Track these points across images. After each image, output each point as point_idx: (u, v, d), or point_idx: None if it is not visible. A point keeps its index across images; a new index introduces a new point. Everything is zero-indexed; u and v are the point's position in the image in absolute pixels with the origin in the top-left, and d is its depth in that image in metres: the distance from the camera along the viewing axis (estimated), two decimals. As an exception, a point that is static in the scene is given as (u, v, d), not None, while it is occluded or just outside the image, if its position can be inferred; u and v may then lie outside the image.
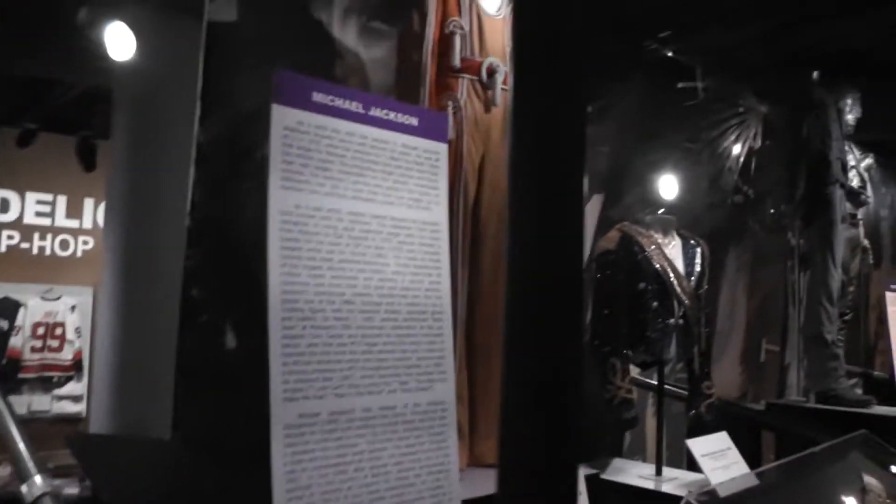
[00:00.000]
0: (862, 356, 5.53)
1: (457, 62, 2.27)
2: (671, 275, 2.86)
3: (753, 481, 2.65)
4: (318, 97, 1.55)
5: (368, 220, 1.58)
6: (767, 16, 4.24)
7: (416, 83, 2.18)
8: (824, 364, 3.88)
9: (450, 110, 2.23)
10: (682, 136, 4.22)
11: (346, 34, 2.60)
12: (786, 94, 4.30)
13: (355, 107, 1.59)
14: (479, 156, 2.31)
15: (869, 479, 2.70)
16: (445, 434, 1.63)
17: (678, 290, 2.87)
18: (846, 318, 4.60)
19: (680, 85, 4.05)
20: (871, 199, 4.39)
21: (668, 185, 4.16)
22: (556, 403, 0.74)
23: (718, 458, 2.78)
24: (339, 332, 1.49)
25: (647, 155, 3.93)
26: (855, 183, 4.50)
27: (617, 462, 3.24)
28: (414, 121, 1.69)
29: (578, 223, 0.77)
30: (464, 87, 2.30)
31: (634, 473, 3.05)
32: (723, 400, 3.97)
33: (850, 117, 4.49)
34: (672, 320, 2.87)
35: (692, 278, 2.94)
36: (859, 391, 5.20)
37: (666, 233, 2.99)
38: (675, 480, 2.89)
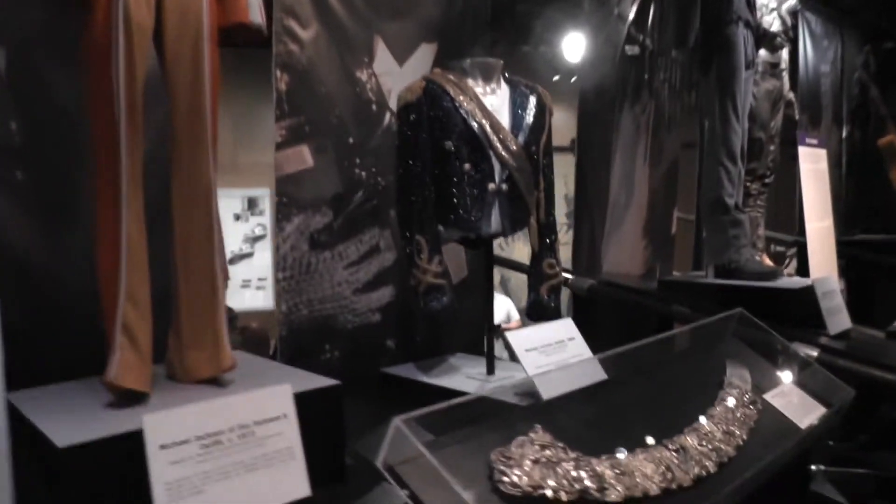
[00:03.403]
0: (796, 224, 5.03)
1: None
2: (488, 129, 2.29)
3: (585, 375, 2.14)
4: None
5: None
6: None
7: None
8: (724, 232, 3.35)
9: None
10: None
11: None
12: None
13: None
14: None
15: (734, 369, 2.21)
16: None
17: (499, 147, 2.30)
18: (766, 180, 4.06)
19: None
20: (786, 44, 3.76)
21: (534, 32, 3.55)
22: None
23: (554, 351, 2.29)
24: None
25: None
26: (775, 27, 3.87)
27: (454, 359, 2.76)
28: None
29: None
30: None
31: (464, 372, 2.57)
32: (604, 281, 3.48)
33: (774, -51, 3.84)
34: (492, 185, 2.31)
35: (521, 133, 2.36)
36: (794, 263, 4.70)
37: (488, 79, 2.40)
38: (502, 380, 2.40)
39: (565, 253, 3.78)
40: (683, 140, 4.16)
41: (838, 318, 3.05)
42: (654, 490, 1.52)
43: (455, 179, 2.28)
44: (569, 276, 3.53)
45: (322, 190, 2.64)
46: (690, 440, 1.76)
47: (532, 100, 2.41)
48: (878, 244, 5.42)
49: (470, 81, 2.36)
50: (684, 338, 2.37)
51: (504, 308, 7.68)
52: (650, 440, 1.70)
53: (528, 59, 6.38)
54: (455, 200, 2.29)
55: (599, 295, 3.35)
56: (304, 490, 1.56)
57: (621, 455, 1.59)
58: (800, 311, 3.06)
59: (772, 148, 4.03)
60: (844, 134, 5.92)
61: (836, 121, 5.80)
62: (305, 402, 1.78)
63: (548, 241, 2.50)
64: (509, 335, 2.18)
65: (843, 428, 3.28)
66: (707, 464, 1.71)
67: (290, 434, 1.59)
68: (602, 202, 3.75)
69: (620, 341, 2.37)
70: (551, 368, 2.16)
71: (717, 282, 3.30)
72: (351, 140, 2.69)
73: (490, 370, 2.48)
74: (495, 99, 2.37)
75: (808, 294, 3.02)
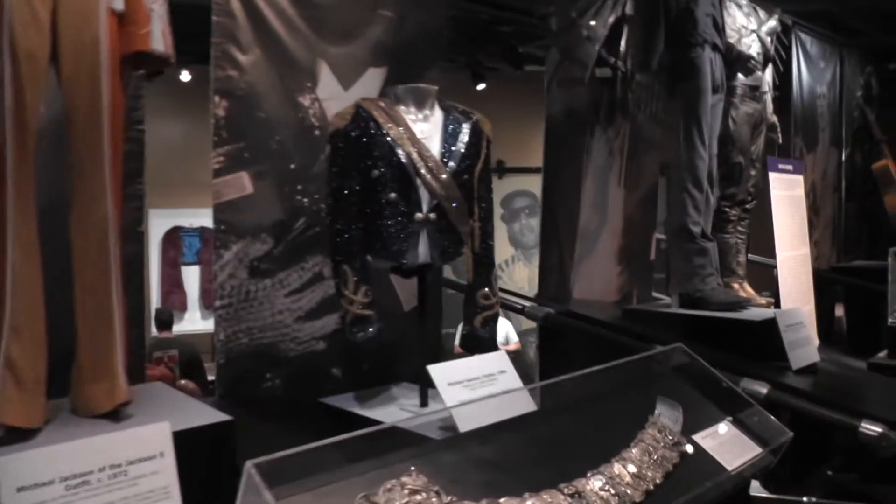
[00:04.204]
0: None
1: None
2: (415, 157, 2.25)
3: (505, 408, 2.07)
4: None
5: None
6: None
7: None
8: (689, 261, 3.27)
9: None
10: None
11: None
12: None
13: None
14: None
15: (664, 407, 2.13)
16: None
17: (427, 176, 2.26)
18: (748, 206, 3.97)
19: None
20: (758, 66, 3.67)
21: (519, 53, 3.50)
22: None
23: (481, 384, 2.23)
24: None
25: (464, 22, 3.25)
26: (754, 49, 3.79)
27: (397, 389, 2.71)
28: None
29: None
30: None
31: (399, 403, 2.52)
32: (562, 310, 3.40)
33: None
34: (419, 215, 2.27)
35: (452, 161, 2.32)
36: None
37: (421, 105, 2.36)
38: (429, 414, 2.34)
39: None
40: (665, 160, 4.08)
41: (803, 352, 2.95)
42: (533, 539, 1.45)
43: (380, 208, 2.24)
44: (528, 303, 3.48)
45: (262, 217, 2.61)
46: (592, 484, 1.69)
47: (466, 127, 2.37)
48: (877, 271, 5.26)
49: (402, 108, 2.33)
50: (620, 372, 2.29)
51: (503, 329, 7.61)
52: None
53: (519, 80, 6.35)
54: (381, 230, 2.25)
55: (555, 324, 3.28)
56: (180, 531, 1.52)
57: (506, 500, 1.53)
58: (763, 344, 2.97)
59: (753, 172, 3.95)
60: (844, 157, 5.79)
61: (834, 143, 5.68)
62: (192, 440, 1.75)
63: (483, 270, 2.44)
64: (432, 367, 2.13)
65: (845, 458, 3.18)
66: (606, 511, 1.64)
67: (166, 473, 1.54)
68: (571, 227, 3.68)
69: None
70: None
71: (680, 312, 3.22)
72: (293, 166, 2.67)
73: (423, 402, 2.43)
74: (427, 126, 2.33)
75: (772, 326, 2.93)
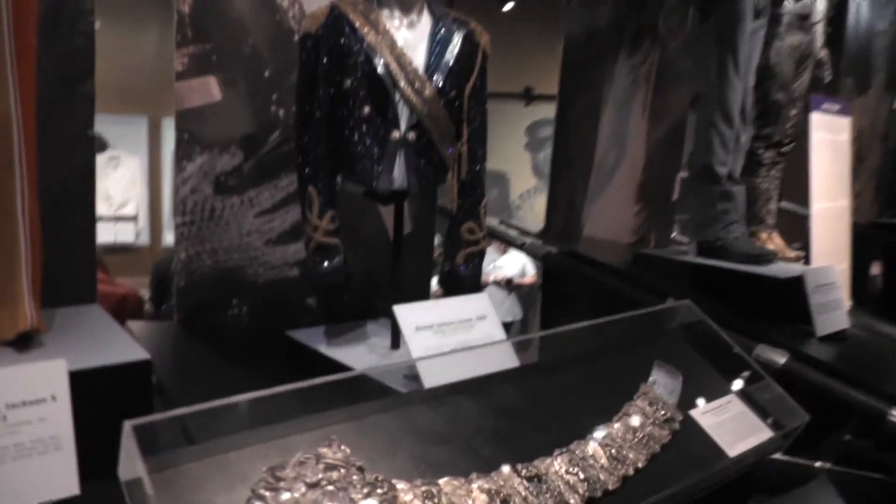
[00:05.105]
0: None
1: None
2: (394, 67, 1.94)
3: (474, 364, 1.80)
4: None
5: None
6: None
7: None
8: (712, 205, 2.95)
9: None
10: None
11: None
12: None
13: None
14: None
15: (660, 375, 1.85)
16: None
17: (407, 90, 1.95)
18: (784, 149, 3.61)
19: None
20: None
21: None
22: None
23: (455, 331, 1.96)
24: None
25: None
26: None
27: (373, 325, 2.46)
28: None
29: None
30: None
31: (369, 343, 2.27)
32: (565, 251, 3.10)
33: None
34: (396, 133, 1.97)
35: (438, 74, 2.00)
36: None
37: (407, 10, 2.03)
38: (377, 368, 2.08)
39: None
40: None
41: (831, 317, 2.64)
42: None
43: (353, 124, 1.95)
44: (528, 239, 3.19)
45: (231, 128, 2.34)
46: (557, 465, 1.43)
47: (458, 37, 2.04)
48: (921, 228, 4.89)
49: (385, 12, 2.01)
50: (616, 328, 2.01)
51: (519, 262, 7.35)
52: (505, 468, 1.36)
53: (549, 1, 5.90)
54: (351, 148, 1.96)
55: (556, 265, 2.99)
56: (70, 488, 1.29)
57: (446, 481, 1.28)
58: (787, 306, 2.67)
59: (793, 112, 3.57)
60: (896, 104, 5.34)
61: (889, 88, 5.21)
62: (97, 381, 1.51)
63: (470, 201, 2.15)
64: (398, 308, 1.87)
65: (863, 423, 2.94)
66: (570, 499, 1.38)
67: (58, 420, 1.31)
68: (586, 161, 3.36)
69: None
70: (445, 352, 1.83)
71: (697, 261, 2.91)
72: (267, 73, 2.38)
73: (395, 344, 2.17)
74: (411, 34, 2.01)
75: (799, 286, 2.62)
